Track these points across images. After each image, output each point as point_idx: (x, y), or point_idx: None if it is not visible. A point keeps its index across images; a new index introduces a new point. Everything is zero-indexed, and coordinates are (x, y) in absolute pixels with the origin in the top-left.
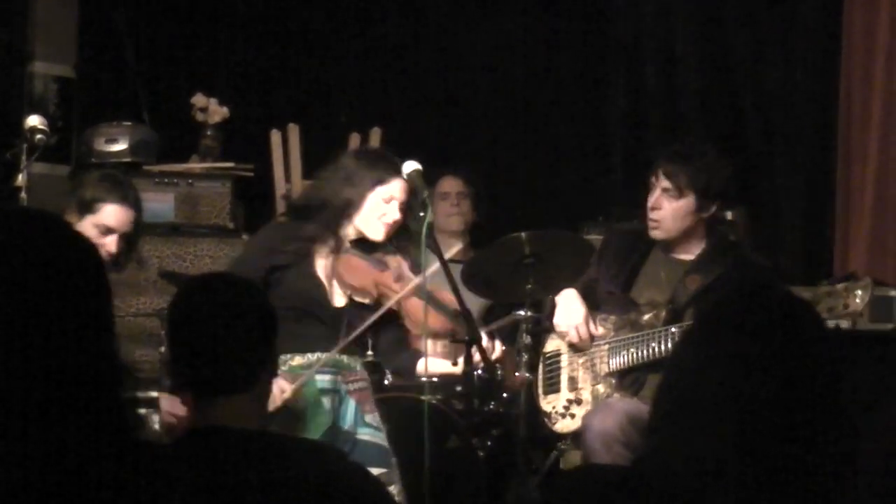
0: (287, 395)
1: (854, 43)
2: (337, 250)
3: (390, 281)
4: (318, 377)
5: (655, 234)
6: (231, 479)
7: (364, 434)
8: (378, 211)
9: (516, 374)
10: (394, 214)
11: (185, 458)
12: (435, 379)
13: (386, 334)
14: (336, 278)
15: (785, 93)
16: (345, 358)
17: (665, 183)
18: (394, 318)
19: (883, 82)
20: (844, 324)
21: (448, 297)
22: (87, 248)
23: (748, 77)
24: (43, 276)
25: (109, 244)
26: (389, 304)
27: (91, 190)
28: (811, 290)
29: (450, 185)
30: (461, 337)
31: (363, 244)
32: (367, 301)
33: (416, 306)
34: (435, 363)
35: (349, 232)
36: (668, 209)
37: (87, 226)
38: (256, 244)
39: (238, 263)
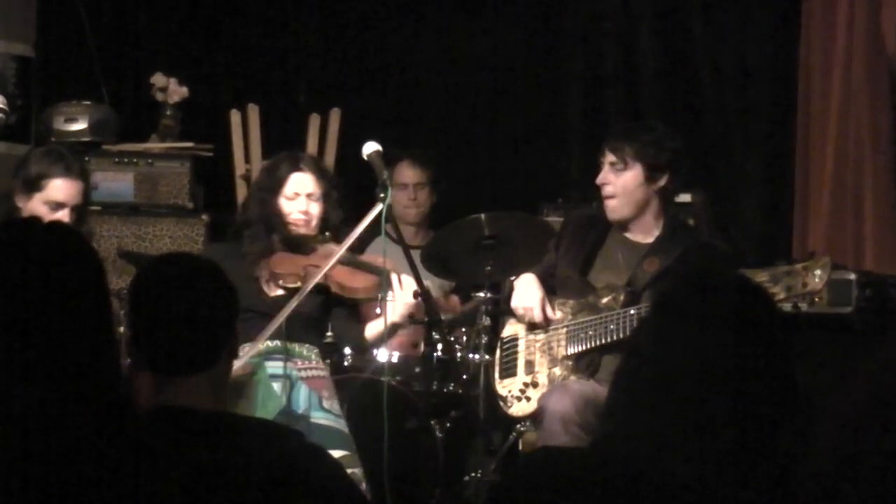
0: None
1: (813, 24)
2: (268, 253)
3: (317, 259)
4: (269, 364)
5: (611, 213)
6: (184, 459)
7: (320, 419)
8: (288, 209)
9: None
10: (301, 206)
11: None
12: (394, 357)
13: (337, 314)
14: (268, 275)
15: (744, 75)
16: (296, 346)
17: (611, 157)
18: (343, 298)
19: (842, 63)
20: (804, 306)
21: (371, 256)
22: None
23: (706, 59)
24: (46, 280)
25: (62, 219)
26: (318, 276)
27: (35, 167)
28: (770, 269)
29: (408, 175)
30: (420, 318)
31: (294, 239)
32: (297, 284)
33: (341, 272)
34: (377, 325)
35: (275, 238)
36: (616, 183)
37: (36, 204)
38: None
39: None
